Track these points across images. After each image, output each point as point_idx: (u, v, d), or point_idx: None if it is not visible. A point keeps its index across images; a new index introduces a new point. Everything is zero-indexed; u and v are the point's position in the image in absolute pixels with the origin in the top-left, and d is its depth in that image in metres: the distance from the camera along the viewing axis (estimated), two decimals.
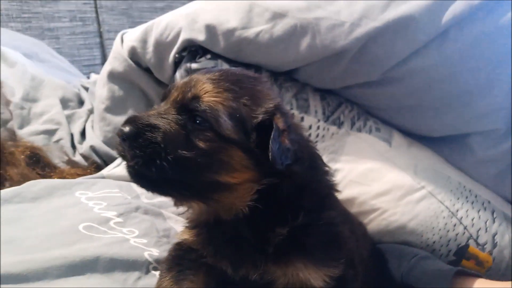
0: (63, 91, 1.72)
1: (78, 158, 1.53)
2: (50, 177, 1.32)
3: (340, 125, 1.38)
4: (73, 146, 1.56)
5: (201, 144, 0.74)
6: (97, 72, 1.86)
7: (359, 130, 1.39)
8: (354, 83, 1.34)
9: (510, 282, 1.03)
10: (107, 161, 1.52)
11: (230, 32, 1.27)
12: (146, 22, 1.48)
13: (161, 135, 0.73)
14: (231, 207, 0.80)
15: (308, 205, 0.83)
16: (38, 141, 1.49)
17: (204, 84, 0.77)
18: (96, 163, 1.51)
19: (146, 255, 0.94)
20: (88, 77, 2.26)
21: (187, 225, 0.93)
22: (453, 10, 1.17)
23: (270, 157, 0.73)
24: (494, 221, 1.29)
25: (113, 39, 1.60)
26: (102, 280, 0.84)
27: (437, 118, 1.36)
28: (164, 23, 1.39)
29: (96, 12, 2.94)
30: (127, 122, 0.75)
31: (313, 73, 1.34)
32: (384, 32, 1.19)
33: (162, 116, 0.77)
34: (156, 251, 0.97)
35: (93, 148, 1.53)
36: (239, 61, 1.36)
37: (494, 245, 1.26)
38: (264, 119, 0.77)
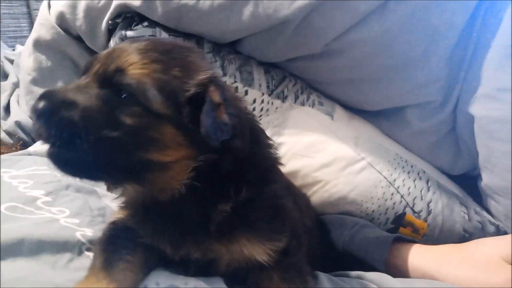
0: None
1: (2, 135, 1.41)
2: None
3: (284, 99, 1.37)
4: None
5: (127, 120, 0.69)
6: (24, 44, 1.72)
7: (303, 103, 1.39)
8: (297, 55, 1.33)
9: (443, 246, 1.10)
10: (35, 138, 1.41)
11: None
12: None
13: (79, 113, 0.68)
14: (167, 186, 0.75)
15: (251, 179, 0.80)
16: None
17: (129, 55, 0.72)
18: (22, 140, 1.41)
19: (78, 235, 0.87)
20: (14, 49, 2.10)
21: (122, 205, 0.87)
22: None
23: (202, 133, 0.70)
24: (428, 190, 1.35)
25: None
26: (28, 264, 0.77)
27: (376, 91, 1.38)
28: None
29: None
30: (42, 97, 0.69)
31: (257, 44, 1.31)
32: (326, 3, 1.17)
33: (81, 90, 0.70)
34: (89, 231, 0.90)
35: (18, 124, 1.42)
36: (179, 30, 1.28)
37: (429, 212, 1.32)
38: (197, 91, 0.73)
